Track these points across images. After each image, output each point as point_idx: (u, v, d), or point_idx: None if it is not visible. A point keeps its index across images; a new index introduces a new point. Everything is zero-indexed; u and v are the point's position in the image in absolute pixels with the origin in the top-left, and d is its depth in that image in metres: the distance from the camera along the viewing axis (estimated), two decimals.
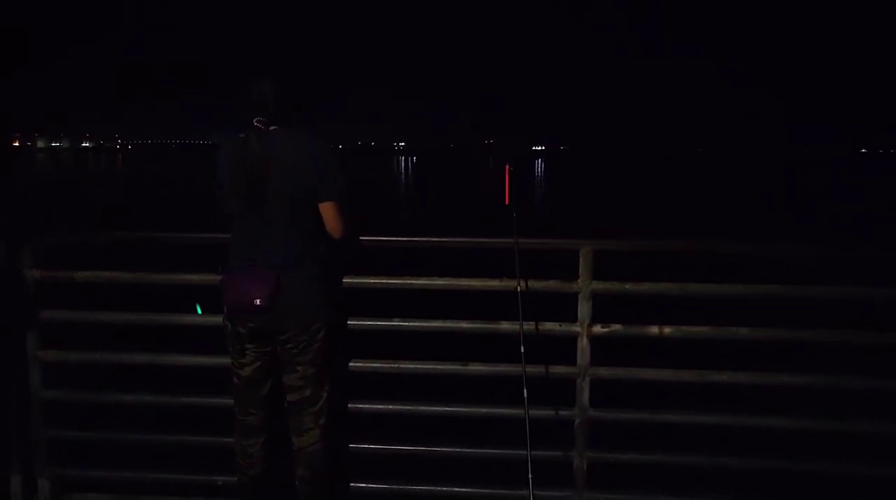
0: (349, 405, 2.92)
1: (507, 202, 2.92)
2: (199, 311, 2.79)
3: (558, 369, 2.84)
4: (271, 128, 2.51)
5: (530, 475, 2.29)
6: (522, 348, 2.53)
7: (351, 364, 2.90)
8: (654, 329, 2.79)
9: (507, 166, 3.15)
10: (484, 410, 2.91)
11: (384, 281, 2.88)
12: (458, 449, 2.94)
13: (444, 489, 2.93)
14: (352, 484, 2.94)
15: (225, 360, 2.67)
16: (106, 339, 3.02)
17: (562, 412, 2.85)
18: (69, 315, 2.98)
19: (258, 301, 2.45)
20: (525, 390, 2.45)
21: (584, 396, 2.84)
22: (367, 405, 2.95)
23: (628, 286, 2.78)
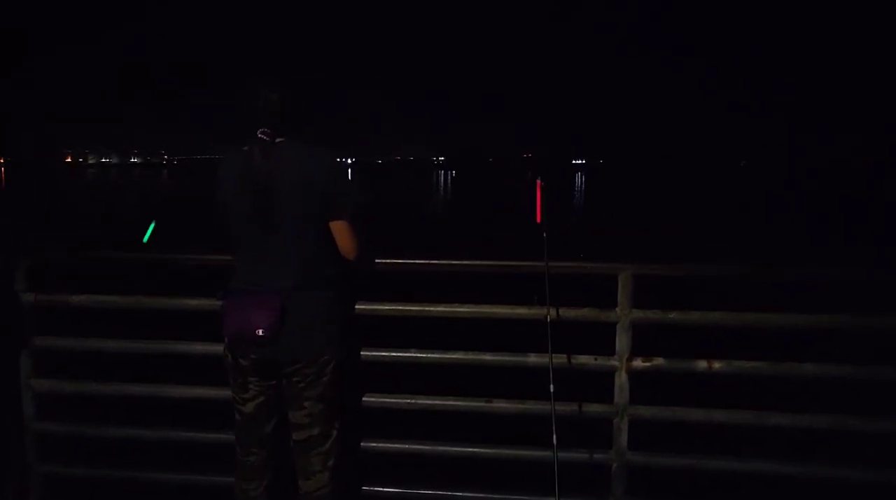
0: (361, 444, 2.66)
1: (538, 221, 2.63)
2: (149, 231, 2.52)
3: (593, 408, 2.54)
4: (277, 140, 2.28)
5: None
6: (552, 384, 2.24)
7: (364, 399, 2.65)
8: (703, 364, 2.47)
9: (538, 181, 2.86)
10: (509, 452, 2.62)
11: (401, 308, 2.62)
12: (480, 495, 2.64)
13: None
14: None
15: (228, 392, 2.44)
16: (103, 367, 2.83)
17: (596, 456, 2.55)
18: (64, 342, 2.79)
19: (260, 331, 2.22)
20: (554, 431, 2.16)
21: (622, 438, 2.53)
22: (380, 444, 2.68)
23: (673, 316, 2.47)
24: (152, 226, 2.53)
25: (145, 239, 2.56)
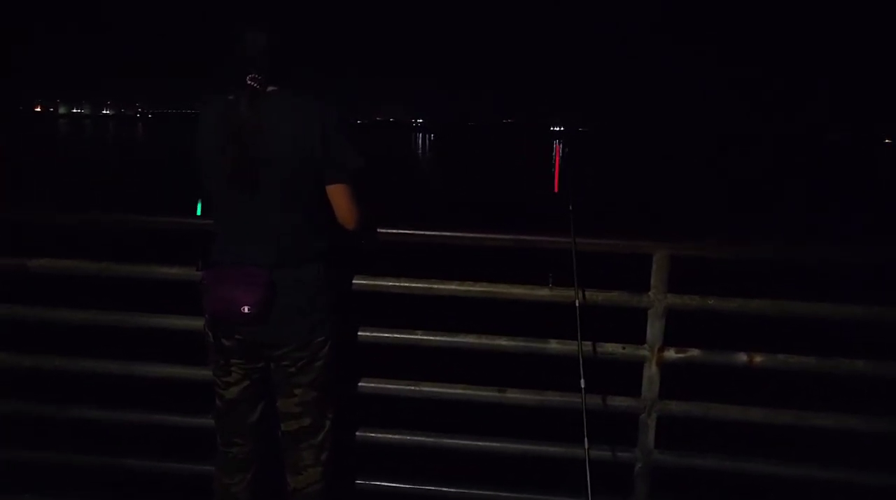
0: (357, 434, 2.39)
1: (556, 190, 2.32)
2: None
3: (618, 402, 2.29)
4: (269, 88, 1.95)
5: None
6: (582, 378, 1.97)
7: (360, 385, 2.36)
8: (742, 357, 2.22)
9: (556, 146, 2.54)
10: (520, 447, 2.36)
11: (405, 284, 2.31)
12: (488, 492, 2.39)
13: None
14: None
15: (208, 372, 2.14)
16: (66, 342, 2.51)
17: (619, 454, 2.30)
18: (21, 311, 2.45)
19: (246, 308, 1.92)
20: (585, 429, 1.92)
21: (649, 435, 2.29)
22: (378, 435, 2.40)
23: (711, 302, 2.21)
24: (200, 203, 2.23)
25: (199, 212, 2.25)
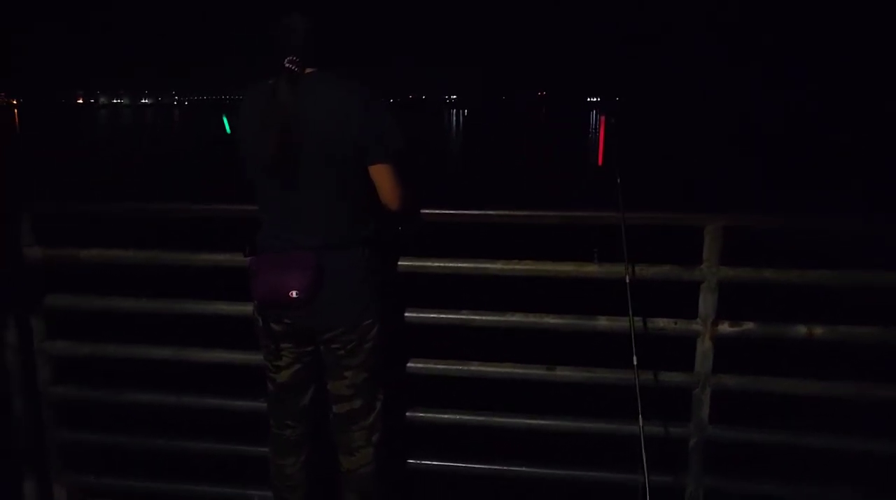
0: (407, 415, 2.40)
1: (599, 164, 2.27)
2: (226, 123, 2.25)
3: (671, 377, 2.25)
4: (308, 70, 1.93)
5: None
6: (634, 351, 1.94)
7: (409, 365, 2.36)
8: (802, 329, 2.15)
9: (602, 118, 2.47)
10: (572, 424, 2.34)
11: (451, 265, 2.30)
12: (541, 470, 2.38)
13: None
14: None
15: (260, 357, 2.16)
16: (120, 330, 2.56)
17: (672, 429, 2.27)
18: (76, 301, 2.51)
19: (294, 293, 1.93)
20: (639, 406, 1.89)
21: (704, 410, 2.25)
22: (428, 415, 2.41)
23: (768, 274, 2.14)
24: (225, 118, 2.22)
25: (228, 131, 2.26)
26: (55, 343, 2.52)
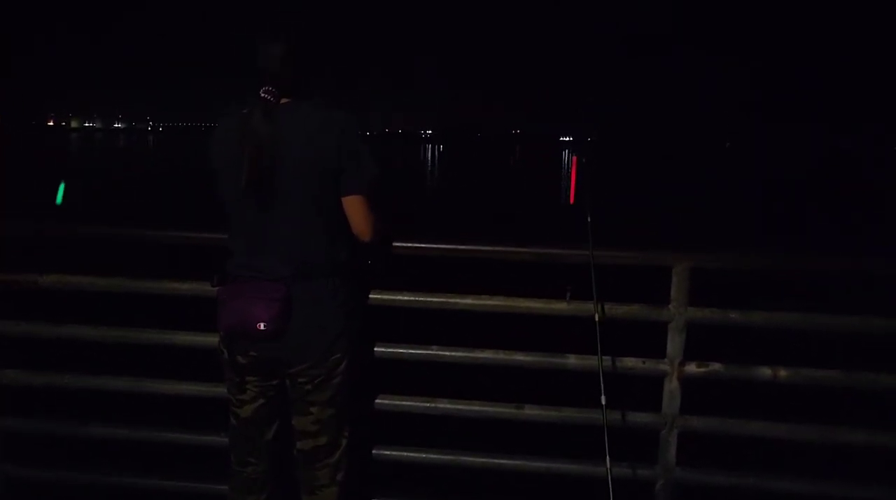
0: (374, 452, 2.35)
1: (571, 202, 2.29)
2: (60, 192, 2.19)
3: (639, 417, 2.24)
4: (283, 100, 1.93)
5: None
6: (603, 394, 1.92)
7: (377, 401, 2.32)
8: (766, 371, 2.17)
9: (574, 158, 2.51)
10: (540, 465, 2.31)
11: (421, 299, 2.29)
12: None
13: None
14: None
15: (223, 389, 2.11)
16: (79, 360, 2.48)
17: (640, 471, 2.25)
18: (32, 328, 2.43)
19: (262, 325, 1.88)
20: (607, 447, 1.87)
21: (670, 451, 2.24)
22: (395, 453, 2.36)
23: (734, 315, 2.16)
24: (62, 187, 2.18)
25: (59, 201, 2.21)
26: (5, 371, 2.43)
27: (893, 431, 2.15)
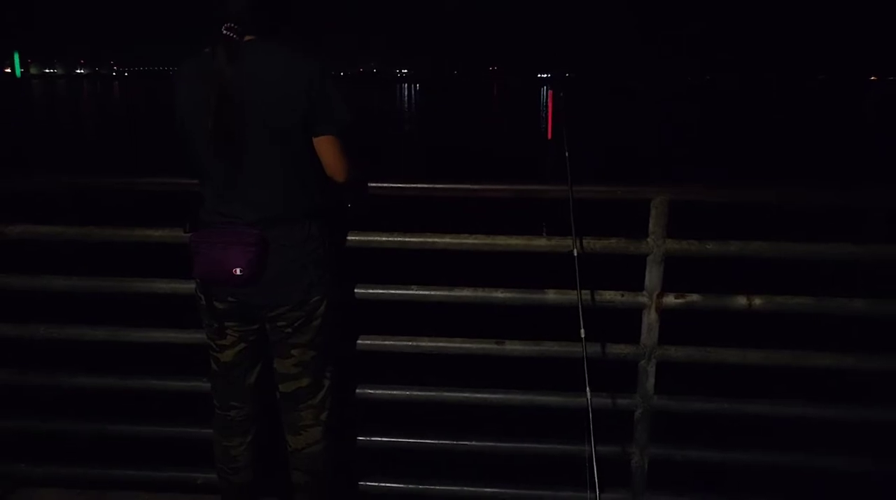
0: (357, 391, 2.37)
1: (549, 137, 2.26)
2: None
3: (617, 349, 2.27)
4: (246, 38, 1.85)
5: (596, 474, 1.75)
6: (582, 324, 1.94)
7: (358, 342, 2.33)
8: (742, 300, 2.20)
9: (550, 92, 2.46)
10: (521, 397, 2.35)
11: (400, 239, 2.26)
12: (489, 443, 2.40)
13: (472, 489, 2.41)
14: (361, 483, 2.42)
15: (202, 335, 2.10)
16: (52, 310, 2.45)
17: (619, 400, 2.30)
18: (3, 281, 2.38)
19: (238, 270, 1.86)
20: (587, 379, 1.89)
21: (649, 381, 2.28)
22: (378, 391, 2.38)
23: (710, 246, 2.17)
24: (17, 55, 2.07)
25: (18, 73, 2.12)
26: None
27: (858, 353, 2.20)
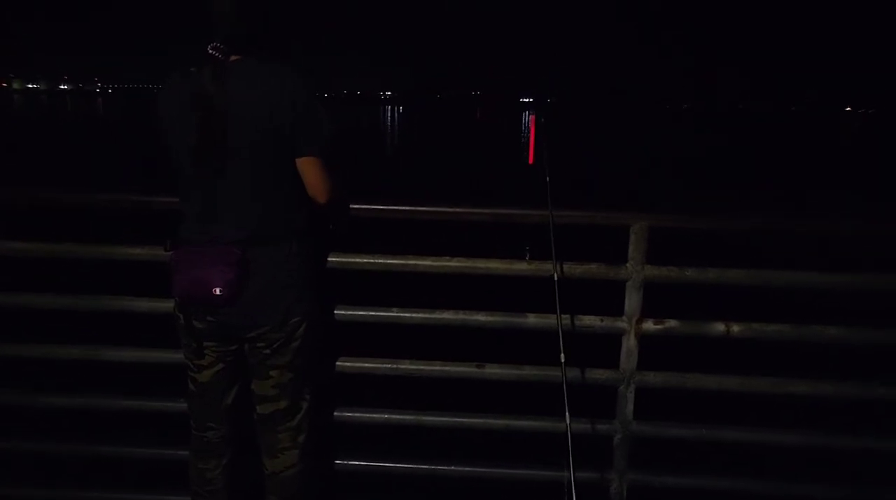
0: (335, 414, 2.35)
1: (530, 162, 2.28)
2: None
3: (596, 374, 2.28)
4: (232, 58, 1.86)
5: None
6: (562, 352, 1.94)
7: (338, 364, 2.31)
8: (720, 327, 2.22)
9: (532, 117, 2.49)
10: (500, 423, 2.34)
11: (381, 261, 2.26)
12: (468, 468, 2.38)
13: None
14: None
15: (180, 355, 2.07)
16: (26, 328, 2.41)
17: (599, 426, 2.30)
18: None
19: (218, 290, 1.85)
20: (566, 403, 1.89)
21: (628, 406, 2.29)
22: (357, 414, 2.37)
23: (689, 273, 2.20)
24: None
25: None
26: None
27: (835, 381, 2.23)
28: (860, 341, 2.19)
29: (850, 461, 2.28)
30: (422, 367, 2.32)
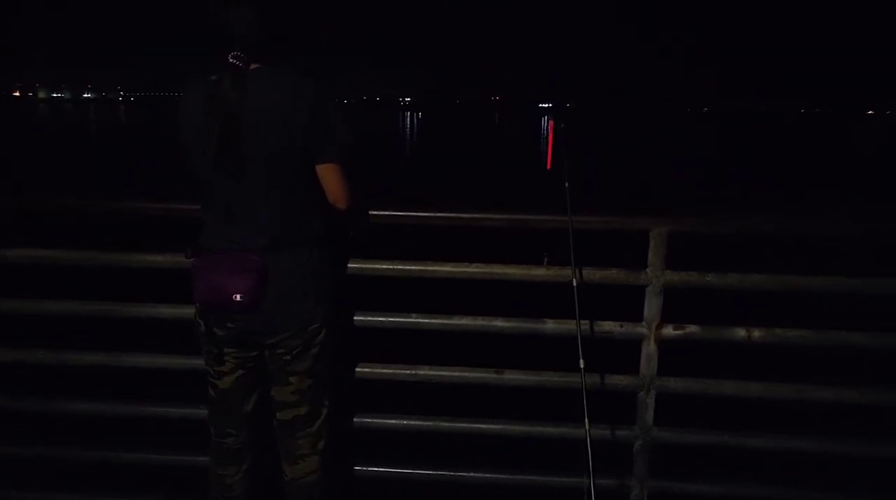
0: (354, 420, 2.36)
1: (548, 167, 2.28)
2: None
3: (616, 380, 2.27)
4: (252, 66, 1.87)
5: None
6: (581, 358, 1.94)
7: (357, 370, 2.32)
8: (741, 332, 2.20)
9: (551, 122, 2.48)
10: (520, 429, 2.34)
11: (400, 267, 2.27)
12: (488, 475, 2.38)
13: None
14: None
15: (200, 361, 2.09)
16: (51, 335, 2.44)
17: (619, 432, 2.29)
18: (1, 304, 2.39)
19: (238, 296, 1.87)
20: (585, 409, 1.89)
21: (648, 413, 2.27)
22: (377, 420, 2.37)
23: (710, 278, 2.18)
24: None
25: None
26: None
27: (860, 387, 2.19)
28: (886, 346, 2.15)
29: (877, 470, 2.24)
30: (441, 372, 2.32)
